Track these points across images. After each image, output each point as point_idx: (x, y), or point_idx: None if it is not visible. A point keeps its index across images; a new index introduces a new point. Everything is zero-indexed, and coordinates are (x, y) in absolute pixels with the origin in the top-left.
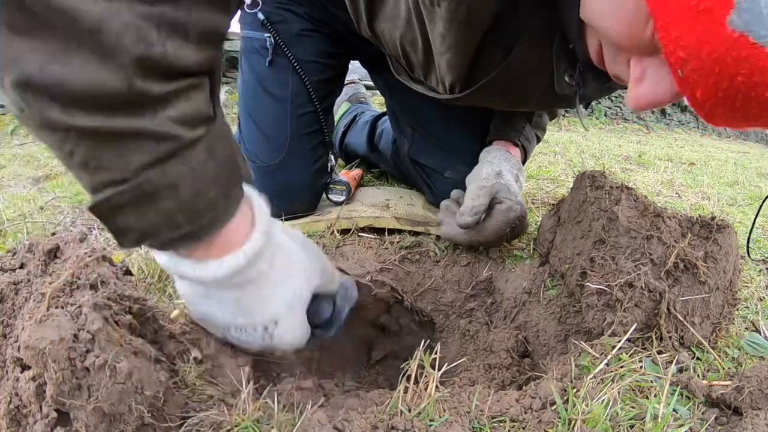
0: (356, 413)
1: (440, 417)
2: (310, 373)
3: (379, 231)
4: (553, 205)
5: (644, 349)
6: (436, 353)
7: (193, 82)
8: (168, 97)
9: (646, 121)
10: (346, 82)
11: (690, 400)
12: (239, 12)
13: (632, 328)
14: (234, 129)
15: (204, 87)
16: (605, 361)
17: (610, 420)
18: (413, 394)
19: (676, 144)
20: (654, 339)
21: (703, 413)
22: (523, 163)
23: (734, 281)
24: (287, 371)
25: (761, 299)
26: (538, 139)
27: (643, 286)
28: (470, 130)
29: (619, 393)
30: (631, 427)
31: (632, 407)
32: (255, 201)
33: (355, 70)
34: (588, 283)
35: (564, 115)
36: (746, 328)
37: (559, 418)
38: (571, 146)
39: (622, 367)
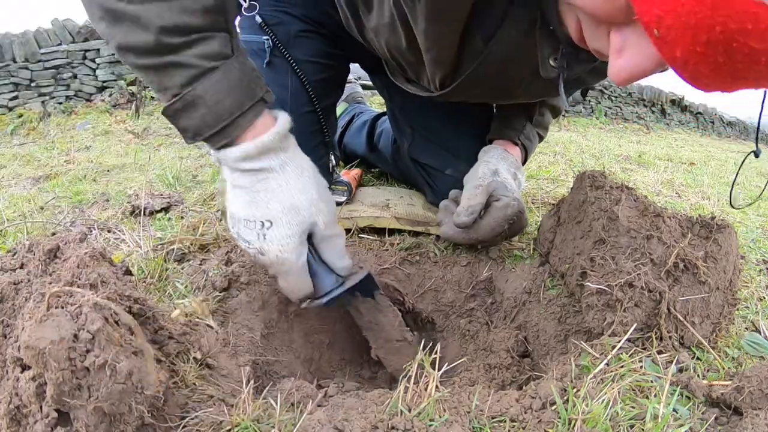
0: (356, 413)
1: (440, 417)
2: (310, 373)
3: (379, 232)
4: (553, 205)
5: (644, 349)
6: (436, 353)
7: (204, 35)
8: (187, 44)
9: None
10: None
11: (690, 400)
12: (238, 17)
13: (632, 328)
14: None
15: (215, 37)
16: (605, 361)
17: (610, 420)
18: (413, 394)
19: (676, 144)
20: (654, 339)
21: (703, 413)
22: (525, 161)
23: (734, 281)
24: (287, 371)
25: (761, 299)
26: (541, 138)
27: (643, 286)
28: (471, 129)
29: (619, 393)
30: (631, 427)
31: (632, 407)
32: (281, 117)
33: (352, 70)
34: (588, 283)
35: (564, 115)
36: (746, 328)
37: (559, 418)
38: (571, 146)
39: (622, 367)
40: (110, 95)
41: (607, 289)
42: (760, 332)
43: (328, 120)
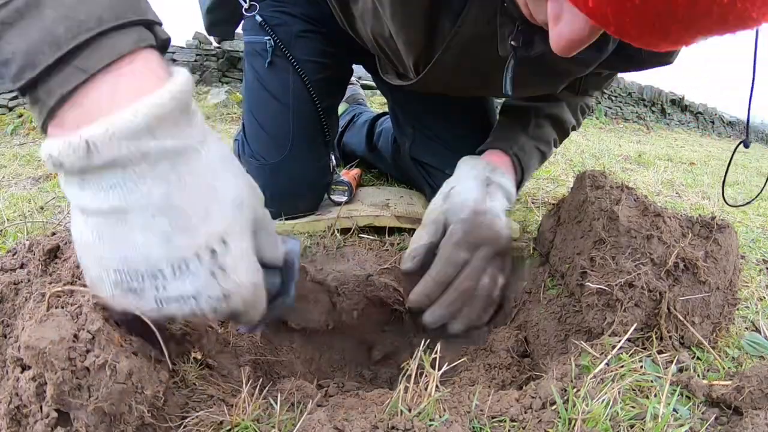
0: (356, 413)
1: (440, 417)
2: (310, 373)
3: (379, 232)
4: (553, 204)
5: (644, 348)
6: (436, 353)
7: None
8: None
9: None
10: None
11: (690, 400)
12: (242, 19)
13: (632, 328)
14: (237, 129)
15: None
16: (605, 361)
17: (610, 420)
18: (413, 394)
19: (676, 144)
20: (654, 339)
21: (703, 413)
22: (522, 176)
23: (734, 281)
24: (287, 371)
25: (761, 299)
26: (543, 155)
27: (644, 285)
28: (471, 128)
29: (619, 393)
30: (631, 427)
31: (632, 407)
32: (180, 73)
33: (354, 71)
34: (588, 283)
35: None
36: (746, 328)
37: (559, 417)
38: (571, 146)
39: (622, 366)
40: None
41: (607, 288)
42: (760, 332)
43: (329, 120)
